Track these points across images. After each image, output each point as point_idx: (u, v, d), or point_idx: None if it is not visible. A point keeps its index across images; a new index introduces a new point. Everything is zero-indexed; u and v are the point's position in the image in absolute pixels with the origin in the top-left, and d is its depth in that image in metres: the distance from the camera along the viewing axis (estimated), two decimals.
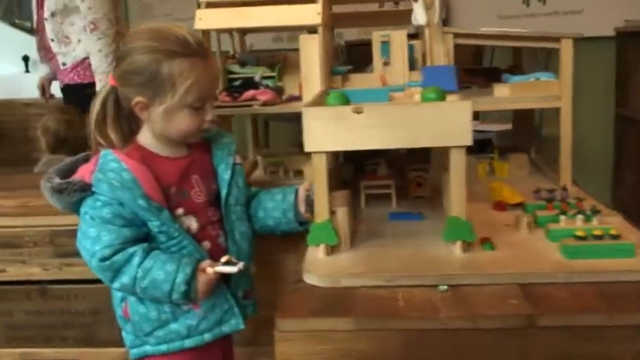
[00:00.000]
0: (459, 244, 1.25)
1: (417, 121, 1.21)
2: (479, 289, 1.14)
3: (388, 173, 1.61)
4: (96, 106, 1.27)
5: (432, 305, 1.09)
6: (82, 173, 1.24)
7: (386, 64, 1.91)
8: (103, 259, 1.20)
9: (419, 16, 1.58)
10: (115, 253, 1.20)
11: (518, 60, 2.25)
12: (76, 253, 1.28)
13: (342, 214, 1.29)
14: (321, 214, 1.27)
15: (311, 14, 1.67)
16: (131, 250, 1.21)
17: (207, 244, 1.31)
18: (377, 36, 1.89)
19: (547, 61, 2.90)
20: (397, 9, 2.41)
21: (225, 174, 1.35)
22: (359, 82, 1.95)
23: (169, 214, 1.23)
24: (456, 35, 1.66)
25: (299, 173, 1.93)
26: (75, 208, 1.25)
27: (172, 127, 1.26)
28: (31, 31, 3.76)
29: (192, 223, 1.29)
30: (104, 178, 1.20)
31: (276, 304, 1.13)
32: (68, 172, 1.28)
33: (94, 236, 1.20)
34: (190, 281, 1.22)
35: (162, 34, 1.23)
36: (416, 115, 1.21)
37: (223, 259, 1.25)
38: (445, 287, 1.14)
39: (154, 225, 1.22)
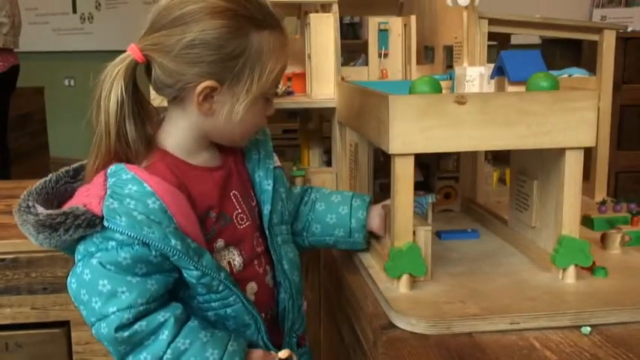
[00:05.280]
0: (572, 269, 1.00)
1: (533, 116, 0.95)
2: (628, 328, 0.89)
3: (423, 181, 1.33)
4: (114, 88, 0.86)
5: (591, 355, 0.82)
6: (85, 199, 0.84)
7: (385, 55, 1.65)
8: (121, 328, 0.82)
9: None
10: (138, 318, 0.82)
11: None
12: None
13: (426, 235, 1.00)
14: (405, 235, 0.97)
15: None
16: (160, 317, 0.84)
17: (253, 286, 0.95)
18: (374, 23, 1.62)
19: None
20: None
21: (265, 184, 1.00)
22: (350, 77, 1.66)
23: (212, 259, 0.87)
24: (492, 21, 1.42)
25: None
26: (71, 248, 0.86)
27: (240, 125, 0.92)
28: None
29: (235, 259, 0.93)
30: (121, 207, 0.82)
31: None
32: (51, 196, 0.90)
33: (106, 292, 0.82)
34: None
35: None
36: (534, 108, 0.95)
37: (282, 354, 0.91)
38: (589, 329, 0.88)
39: (191, 275, 0.85)
